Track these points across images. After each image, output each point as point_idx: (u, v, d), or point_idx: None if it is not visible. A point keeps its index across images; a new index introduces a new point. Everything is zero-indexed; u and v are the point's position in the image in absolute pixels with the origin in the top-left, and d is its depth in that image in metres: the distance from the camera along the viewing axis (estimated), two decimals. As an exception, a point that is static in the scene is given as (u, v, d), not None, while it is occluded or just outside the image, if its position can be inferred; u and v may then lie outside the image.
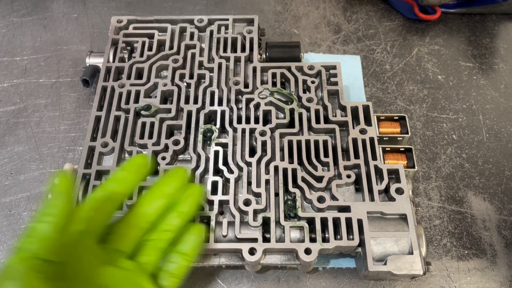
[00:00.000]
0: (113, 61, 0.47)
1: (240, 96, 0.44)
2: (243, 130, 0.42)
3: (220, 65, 0.46)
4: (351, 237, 0.36)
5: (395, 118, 0.43)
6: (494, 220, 0.43)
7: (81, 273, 0.27)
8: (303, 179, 0.39)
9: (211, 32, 0.49)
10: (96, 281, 0.28)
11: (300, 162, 0.40)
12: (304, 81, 0.45)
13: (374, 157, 0.40)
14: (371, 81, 0.53)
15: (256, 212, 0.37)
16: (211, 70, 0.46)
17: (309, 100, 0.44)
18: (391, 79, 0.53)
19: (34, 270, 0.23)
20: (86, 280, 0.27)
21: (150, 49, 0.48)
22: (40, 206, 0.26)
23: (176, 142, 0.41)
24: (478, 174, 0.46)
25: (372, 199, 0.38)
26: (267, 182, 0.39)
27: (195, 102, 0.44)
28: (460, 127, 0.50)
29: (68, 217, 0.25)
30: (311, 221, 0.37)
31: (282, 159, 0.40)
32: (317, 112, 0.43)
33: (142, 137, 0.42)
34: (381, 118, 0.43)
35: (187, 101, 0.44)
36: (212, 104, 0.44)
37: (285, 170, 0.39)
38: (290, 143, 0.41)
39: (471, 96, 0.52)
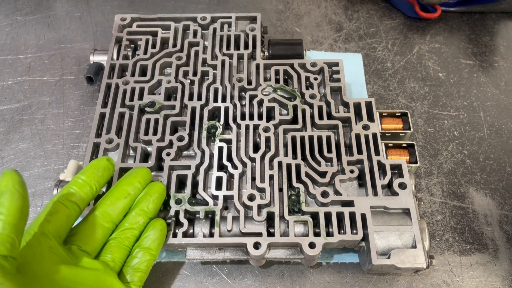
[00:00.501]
0: (117, 59, 0.48)
1: (243, 93, 0.45)
2: (247, 126, 0.42)
3: (223, 62, 0.47)
4: (354, 231, 0.37)
5: (397, 114, 0.44)
6: (496, 215, 0.44)
7: (45, 272, 0.28)
8: (307, 175, 0.39)
9: (214, 30, 0.49)
10: (61, 281, 0.28)
11: (304, 158, 0.40)
12: (307, 78, 0.45)
13: (377, 153, 0.40)
14: (373, 79, 0.53)
15: (260, 207, 0.38)
16: (214, 67, 0.47)
17: (312, 96, 0.44)
18: (393, 76, 0.54)
19: None
20: (51, 279, 0.28)
21: (153, 46, 0.48)
22: None
23: (181, 138, 0.41)
24: (479, 170, 0.47)
25: (375, 194, 0.38)
26: (271, 177, 0.39)
27: (199, 99, 0.44)
28: (461, 123, 0.50)
29: (20, 213, 0.26)
30: (315, 216, 0.37)
31: (286, 154, 0.41)
32: (320, 108, 0.43)
33: (146, 133, 0.42)
34: (383, 114, 0.44)
35: (191, 98, 0.44)
36: (215, 100, 0.44)
37: (288, 166, 0.40)
38: (293, 139, 0.41)
39: (472, 93, 0.52)
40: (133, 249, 0.34)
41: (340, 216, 0.37)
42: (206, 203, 0.38)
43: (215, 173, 0.40)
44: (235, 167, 0.40)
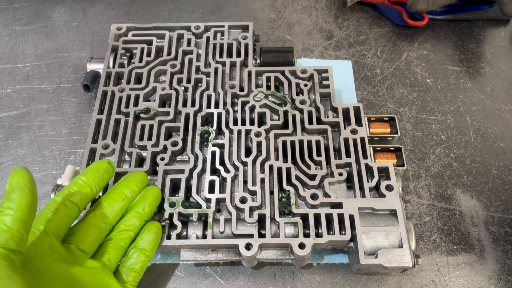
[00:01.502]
0: (113, 67, 0.49)
1: (235, 99, 0.46)
2: (239, 132, 0.43)
3: (216, 69, 0.48)
4: (343, 232, 0.38)
5: (385, 119, 0.45)
6: (482, 217, 0.45)
7: (46, 268, 0.29)
8: (297, 178, 0.40)
9: (208, 39, 0.51)
10: (61, 278, 0.29)
11: (294, 162, 0.42)
12: (297, 84, 0.47)
13: (365, 156, 0.41)
14: (362, 85, 0.55)
15: (252, 209, 0.39)
16: (207, 74, 0.48)
17: (302, 102, 0.45)
18: (382, 82, 0.55)
19: (0, 258, 0.25)
20: (51, 276, 0.29)
21: (148, 55, 0.49)
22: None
23: (175, 144, 0.43)
24: (466, 172, 0.48)
25: (363, 195, 0.40)
26: (263, 180, 0.41)
27: (193, 105, 0.46)
28: (448, 128, 0.51)
29: (29, 209, 0.27)
30: (305, 217, 0.39)
31: (277, 158, 0.42)
32: (310, 113, 0.44)
33: (141, 139, 0.43)
34: (371, 119, 0.45)
35: (184, 104, 0.46)
36: (209, 107, 0.45)
37: (279, 169, 0.41)
38: (284, 143, 0.43)
39: (459, 98, 0.54)
40: (128, 250, 0.35)
41: (329, 217, 0.39)
42: (199, 206, 0.39)
43: (208, 177, 0.41)
44: (227, 171, 0.41)
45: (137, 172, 0.39)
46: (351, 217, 0.38)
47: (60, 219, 0.32)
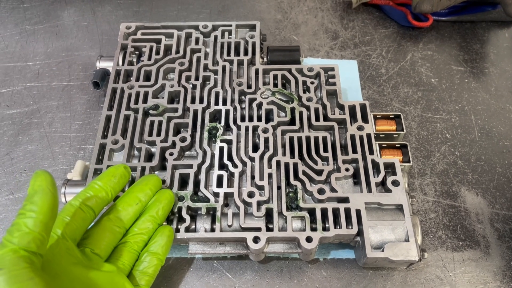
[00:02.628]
0: (122, 65, 0.50)
1: (243, 97, 0.47)
2: (247, 128, 0.44)
3: (224, 67, 0.49)
4: (350, 226, 0.38)
5: (391, 116, 0.46)
6: (487, 214, 0.45)
7: (64, 271, 0.29)
8: (304, 173, 0.41)
9: (215, 37, 0.52)
10: (78, 281, 0.30)
11: (301, 157, 0.42)
12: (304, 82, 0.47)
13: (371, 152, 0.42)
14: (368, 84, 0.55)
15: (259, 204, 0.39)
16: (215, 72, 0.49)
17: (309, 99, 0.46)
18: (387, 82, 0.56)
19: (21, 260, 0.25)
20: (68, 279, 0.29)
21: (157, 53, 0.50)
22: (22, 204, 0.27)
23: (183, 139, 0.43)
24: (471, 170, 0.48)
25: (369, 191, 0.40)
26: (270, 175, 0.41)
27: (201, 102, 0.46)
28: (453, 126, 0.52)
29: (51, 212, 0.27)
30: (312, 212, 0.39)
31: (284, 154, 0.42)
32: (316, 110, 0.45)
33: (150, 134, 0.44)
34: (377, 116, 0.46)
35: (193, 101, 0.46)
36: (216, 103, 0.46)
37: (286, 165, 0.42)
38: (291, 139, 0.43)
39: (463, 98, 0.54)
40: (141, 253, 0.36)
41: (336, 212, 0.39)
42: (208, 200, 0.40)
43: (216, 172, 0.41)
44: (235, 166, 0.42)
45: (151, 176, 0.39)
46: (358, 212, 0.38)
47: (76, 223, 0.32)
